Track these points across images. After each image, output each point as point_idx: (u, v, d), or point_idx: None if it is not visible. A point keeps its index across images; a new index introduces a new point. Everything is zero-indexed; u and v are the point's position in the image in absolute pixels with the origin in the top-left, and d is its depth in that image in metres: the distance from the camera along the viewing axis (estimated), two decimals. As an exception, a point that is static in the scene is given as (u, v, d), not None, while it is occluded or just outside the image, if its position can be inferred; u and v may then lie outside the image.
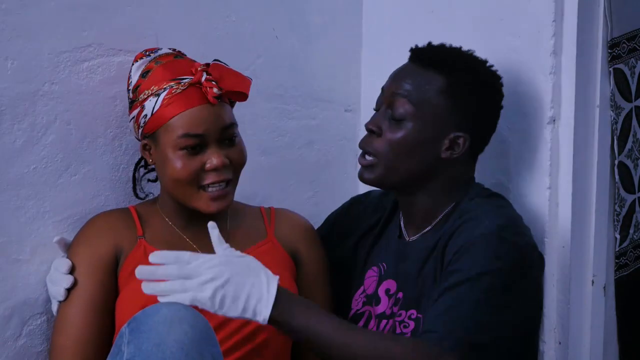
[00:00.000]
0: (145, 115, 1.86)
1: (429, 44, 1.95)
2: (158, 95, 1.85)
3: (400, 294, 1.91)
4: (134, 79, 1.90)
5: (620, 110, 2.09)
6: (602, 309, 2.07)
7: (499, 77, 1.94)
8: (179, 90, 1.85)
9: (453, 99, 1.87)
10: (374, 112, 1.95)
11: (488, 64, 1.94)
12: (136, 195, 1.99)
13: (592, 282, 2.04)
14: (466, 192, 1.91)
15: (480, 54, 1.99)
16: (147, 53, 1.93)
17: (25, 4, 1.90)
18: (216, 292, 1.61)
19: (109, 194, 2.02)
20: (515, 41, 2.03)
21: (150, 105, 1.86)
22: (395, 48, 2.34)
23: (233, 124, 1.89)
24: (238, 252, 1.70)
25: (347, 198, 2.21)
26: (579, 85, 1.98)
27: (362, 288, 2.01)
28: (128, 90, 1.92)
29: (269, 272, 1.68)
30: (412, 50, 1.95)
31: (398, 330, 1.88)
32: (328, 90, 2.40)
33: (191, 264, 1.63)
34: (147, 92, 1.87)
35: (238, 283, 1.63)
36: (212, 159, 1.84)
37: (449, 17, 2.20)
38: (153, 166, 1.97)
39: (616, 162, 2.08)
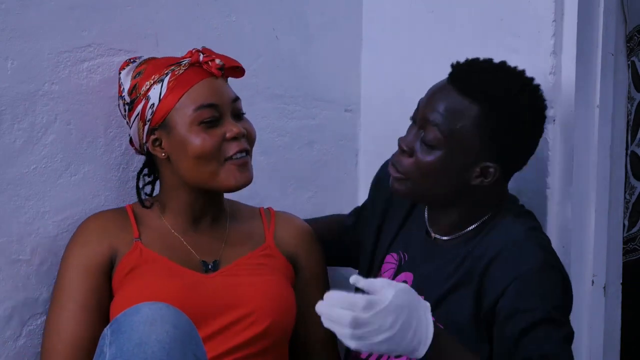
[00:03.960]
0: (153, 104, 1.85)
1: (472, 61, 1.85)
2: (162, 80, 1.86)
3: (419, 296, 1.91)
4: (127, 83, 1.90)
5: (633, 101, 2.10)
6: (602, 309, 2.07)
7: (539, 106, 1.85)
8: (181, 71, 1.87)
9: (487, 130, 1.79)
10: (410, 121, 1.88)
11: (532, 89, 1.84)
12: (142, 205, 1.96)
13: (592, 282, 2.04)
14: (499, 207, 1.88)
15: (480, 54, 1.99)
16: (132, 60, 1.94)
17: (25, 4, 1.90)
18: (381, 345, 1.55)
19: (109, 194, 2.02)
20: (515, 41, 2.03)
21: (156, 92, 1.86)
22: (395, 48, 2.35)
23: (239, 98, 1.91)
24: (402, 287, 1.59)
25: (347, 198, 2.21)
26: (579, 85, 1.99)
27: (378, 273, 2.00)
28: (122, 96, 1.92)
29: (427, 307, 1.62)
30: (453, 66, 1.86)
31: None
32: (328, 90, 2.40)
33: (365, 316, 1.54)
34: (148, 83, 1.87)
35: (403, 331, 1.56)
36: (231, 128, 1.85)
37: (449, 17, 2.20)
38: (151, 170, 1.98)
39: (628, 151, 2.09)
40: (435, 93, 1.84)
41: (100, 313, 1.84)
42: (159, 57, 1.95)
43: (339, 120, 2.42)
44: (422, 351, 1.58)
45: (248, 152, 1.88)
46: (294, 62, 2.34)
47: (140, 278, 1.84)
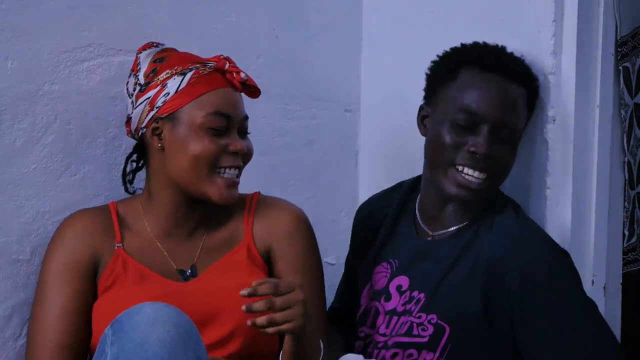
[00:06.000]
0: (167, 93, 1.84)
1: (488, 46, 1.96)
2: (184, 74, 1.85)
3: (419, 294, 1.91)
4: (145, 65, 1.88)
5: (627, 108, 2.10)
6: (602, 309, 2.07)
7: None
8: (205, 72, 1.86)
9: (530, 108, 1.95)
10: (458, 126, 1.87)
11: None
12: (126, 191, 1.95)
13: (592, 282, 2.04)
14: (489, 200, 1.93)
15: (480, 54, 1.99)
16: (155, 44, 1.92)
17: (25, 4, 1.90)
18: None
19: (109, 194, 2.02)
20: (515, 41, 2.03)
21: (175, 83, 1.84)
22: (395, 48, 2.35)
23: (248, 117, 1.90)
24: None
25: (347, 198, 2.21)
26: (579, 85, 1.99)
27: (369, 284, 2.00)
28: (136, 75, 1.88)
29: None
30: (483, 55, 1.92)
31: (415, 332, 1.88)
32: (328, 90, 2.40)
33: None
34: (169, 71, 1.85)
35: None
36: (236, 143, 1.85)
37: (449, 17, 2.20)
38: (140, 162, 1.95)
39: (625, 159, 2.09)
40: (501, 94, 1.88)
41: (84, 315, 1.84)
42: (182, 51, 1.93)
43: (339, 120, 2.43)
44: None
45: (240, 170, 1.87)
46: (294, 62, 2.34)
47: (122, 287, 1.83)
